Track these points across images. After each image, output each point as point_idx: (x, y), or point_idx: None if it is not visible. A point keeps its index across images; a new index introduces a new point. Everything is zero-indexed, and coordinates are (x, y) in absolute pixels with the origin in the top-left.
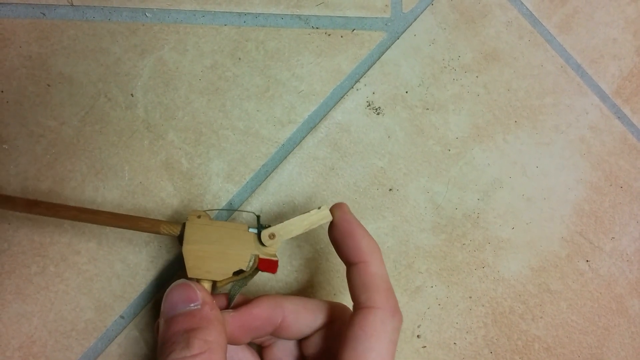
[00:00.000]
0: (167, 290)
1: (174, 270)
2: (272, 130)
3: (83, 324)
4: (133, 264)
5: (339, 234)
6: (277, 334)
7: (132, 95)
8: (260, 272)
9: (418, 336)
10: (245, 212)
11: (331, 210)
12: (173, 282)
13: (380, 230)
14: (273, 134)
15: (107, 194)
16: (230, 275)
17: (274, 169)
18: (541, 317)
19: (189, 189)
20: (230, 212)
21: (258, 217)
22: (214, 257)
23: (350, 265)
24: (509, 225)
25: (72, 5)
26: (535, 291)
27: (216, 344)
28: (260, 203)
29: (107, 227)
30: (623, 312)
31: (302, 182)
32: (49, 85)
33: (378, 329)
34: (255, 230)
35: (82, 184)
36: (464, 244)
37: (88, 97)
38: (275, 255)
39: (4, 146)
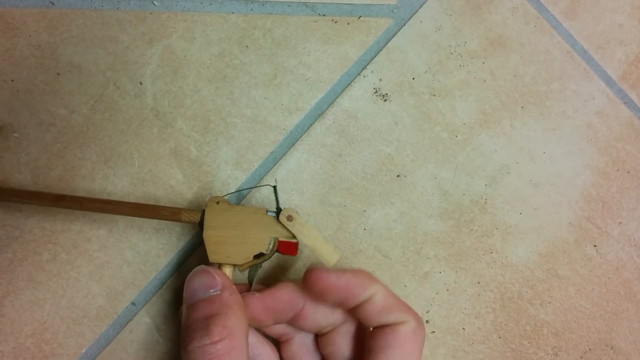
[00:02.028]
0: (188, 276)
1: (185, 257)
2: (280, 118)
3: (95, 310)
4: (143, 251)
5: (338, 299)
6: (295, 322)
7: (140, 83)
8: (280, 254)
9: (427, 321)
10: (263, 187)
11: (307, 283)
12: (192, 269)
13: (388, 216)
14: (281, 121)
15: (117, 182)
16: (251, 259)
17: (282, 156)
18: (549, 302)
19: (198, 176)
20: (248, 190)
21: (274, 187)
22: (233, 241)
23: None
24: (517, 210)
25: None
26: (543, 276)
27: (236, 329)
28: (268, 190)
29: (117, 215)
30: (631, 297)
31: (310, 169)
32: (58, 74)
33: (411, 339)
34: (274, 214)
35: (92, 172)
36: (471, 230)
37: (97, 86)
38: (294, 237)
39: (14, 135)
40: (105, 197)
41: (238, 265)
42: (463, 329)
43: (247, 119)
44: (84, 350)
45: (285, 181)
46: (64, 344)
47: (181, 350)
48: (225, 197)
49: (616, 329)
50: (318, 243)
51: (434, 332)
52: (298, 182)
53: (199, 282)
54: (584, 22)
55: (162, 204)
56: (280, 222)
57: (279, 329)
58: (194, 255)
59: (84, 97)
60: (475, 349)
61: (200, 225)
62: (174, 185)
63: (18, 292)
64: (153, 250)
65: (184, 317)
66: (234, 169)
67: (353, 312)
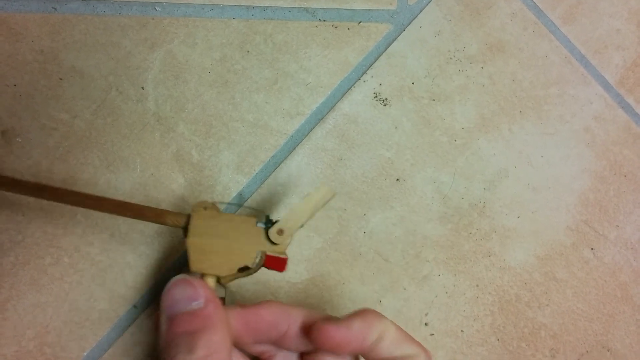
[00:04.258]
0: (167, 285)
1: (185, 261)
2: (281, 122)
3: (97, 313)
4: (145, 254)
5: (351, 350)
6: (280, 343)
7: (142, 88)
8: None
9: (426, 324)
10: (253, 209)
11: (317, 341)
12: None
13: (388, 220)
14: (282, 126)
15: (119, 186)
16: (236, 271)
17: (283, 160)
18: (547, 305)
19: (200, 180)
20: (238, 206)
21: (267, 216)
22: (219, 251)
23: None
24: (515, 214)
25: None
26: (541, 279)
27: (221, 346)
28: (269, 194)
29: (120, 218)
30: (628, 299)
31: (310, 173)
32: (60, 79)
33: None
34: (264, 225)
35: (94, 176)
36: (470, 233)
37: (99, 91)
38: (284, 253)
39: (17, 139)
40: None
41: (221, 277)
42: (462, 331)
43: (249, 124)
44: (85, 353)
45: (285, 185)
46: (66, 347)
47: None
48: (216, 204)
49: (613, 331)
50: (310, 206)
51: (432, 334)
52: (299, 186)
53: (181, 292)
54: (581, 27)
55: (163, 208)
56: (267, 235)
57: (259, 347)
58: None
59: (87, 102)
60: (473, 351)
61: (185, 230)
62: (175, 189)
63: (20, 295)
64: (155, 253)
65: (164, 329)
66: (235, 173)
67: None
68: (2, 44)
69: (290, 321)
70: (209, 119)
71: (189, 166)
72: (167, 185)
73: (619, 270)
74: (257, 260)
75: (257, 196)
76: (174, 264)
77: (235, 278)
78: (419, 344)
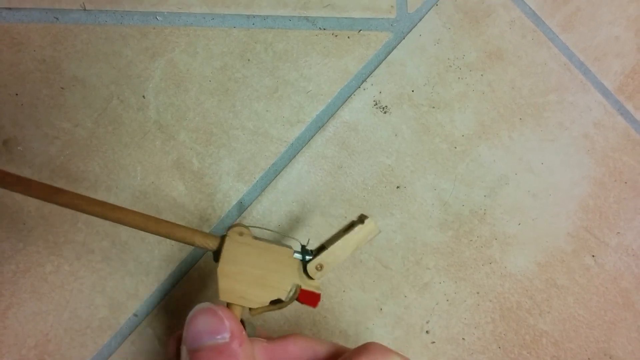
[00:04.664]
0: (191, 314)
1: (187, 268)
2: (281, 130)
3: (97, 322)
4: (146, 262)
5: None
6: None
7: (144, 97)
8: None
9: (427, 332)
10: (291, 238)
11: None
12: (194, 281)
13: (388, 227)
14: (282, 134)
15: (120, 194)
16: (267, 304)
17: (283, 168)
18: (548, 312)
19: (200, 188)
20: (273, 233)
21: (303, 246)
22: (252, 282)
23: None
24: (515, 221)
25: (84, 9)
26: (542, 286)
27: None
28: (270, 201)
29: (121, 226)
30: (629, 306)
31: (311, 181)
32: (62, 88)
33: None
34: (301, 256)
35: (95, 184)
36: (471, 240)
37: (101, 100)
38: (319, 288)
39: (18, 148)
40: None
41: (251, 309)
42: (463, 339)
43: (249, 132)
44: None
45: (286, 193)
46: (67, 356)
47: None
48: (250, 228)
49: (614, 338)
50: (353, 242)
51: (434, 342)
52: (299, 194)
53: (205, 324)
54: (580, 35)
55: (163, 216)
56: (305, 268)
57: None
58: (196, 266)
59: (88, 110)
60: (475, 359)
61: (216, 255)
62: (176, 197)
63: (21, 303)
64: (155, 261)
65: None
66: (236, 181)
67: None
68: (5, 53)
69: (317, 357)
70: (210, 127)
71: (190, 174)
72: (167, 193)
73: (620, 276)
74: (292, 294)
75: (257, 204)
76: (174, 272)
77: (265, 311)
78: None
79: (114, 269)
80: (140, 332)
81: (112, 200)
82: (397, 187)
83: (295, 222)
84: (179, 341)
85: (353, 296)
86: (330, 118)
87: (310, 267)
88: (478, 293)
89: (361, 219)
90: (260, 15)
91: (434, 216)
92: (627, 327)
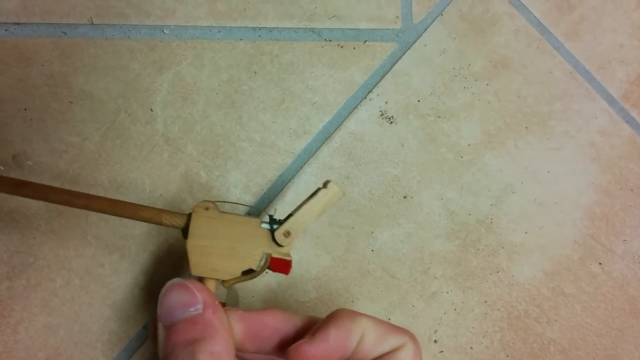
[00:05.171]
0: (163, 290)
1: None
2: (288, 141)
3: (107, 335)
4: (155, 275)
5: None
6: (281, 354)
7: (151, 110)
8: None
9: (435, 341)
10: (253, 207)
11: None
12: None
13: (395, 237)
14: (289, 145)
15: None
16: (239, 275)
17: (291, 179)
18: (556, 320)
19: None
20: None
21: (271, 216)
22: (221, 254)
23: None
24: (522, 230)
25: (92, 24)
26: (549, 294)
27: (224, 355)
28: (277, 213)
29: (130, 239)
30: (636, 313)
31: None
32: (71, 102)
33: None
34: (268, 226)
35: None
36: (478, 250)
37: (109, 113)
38: (289, 255)
39: (27, 162)
40: (117, 222)
41: (224, 280)
42: (471, 348)
43: (256, 143)
44: None
45: (293, 204)
46: None
47: None
48: (217, 203)
49: (622, 345)
50: (318, 207)
51: (442, 351)
52: (292, 210)
53: (176, 298)
54: (585, 43)
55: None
56: (273, 236)
57: (260, 357)
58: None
59: (96, 124)
60: None
61: (184, 232)
62: (184, 210)
63: (32, 318)
64: (164, 274)
65: (163, 339)
66: (243, 193)
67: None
68: (13, 68)
69: (293, 328)
70: (217, 140)
71: (198, 186)
72: (176, 206)
73: (627, 284)
74: (262, 263)
75: (264, 216)
76: None
77: (238, 282)
78: (404, 332)
79: (123, 282)
80: (149, 345)
81: None
82: (404, 197)
83: (302, 233)
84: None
85: (361, 306)
86: (336, 129)
87: (278, 234)
88: (486, 302)
89: (324, 185)
90: (266, 28)
91: (441, 226)
92: (634, 334)
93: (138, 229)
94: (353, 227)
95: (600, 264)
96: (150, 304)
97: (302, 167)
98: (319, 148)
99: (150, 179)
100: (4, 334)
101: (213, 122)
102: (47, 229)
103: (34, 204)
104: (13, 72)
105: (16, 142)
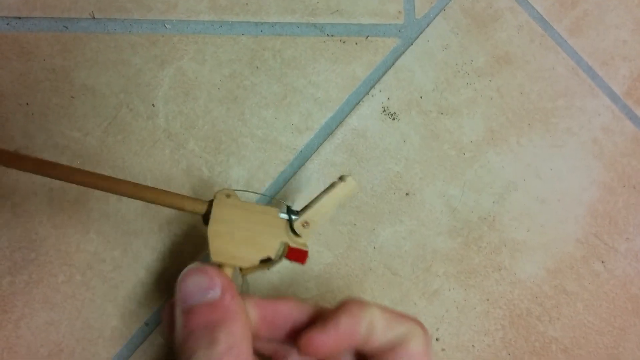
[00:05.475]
0: (182, 275)
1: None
2: (290, 137)
3: (109, 331)
4: (157, 271)
5: (345, 348)
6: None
7: (153, 105)
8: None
9: (437, 339)
10: (272, 198)
11: (308, 351)
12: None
13: (397, 234)
14: (291, 141)
15: (131, 203)
16: (257, 263)
17: (293, 176)
18: (558, 319)
19: (210, 196)
20: (261, 197)
21: (289, 206)
22: (241, 241)
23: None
24: (524, 227)
25: (93, 18)
26: (551, 293)
27: (242, 338)
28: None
29: (132, 236)
30: (639, 312)
31: (320, 188)
32: (72, 97)
33: (422, 351)
34: (286, 216)
35: (105, 194)
36: (480, 247)
37: (111, 108)
38: (306, 245)
39: None
40: (119, 218)
41: (242, 268)
42: (473, 346)
43: (258, 139)
44: None
45: (295, 200)
46: None
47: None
48: (236, 192)
49: (624, 344)
50: (335, 200)
51: (444, 349)
52: (308, 201)
53: (195, 283)
54: (588, 39)
55: (174, 225)
56: (291, 226)
57: (272, 345)
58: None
59: (98, 119)
60: None
61: (205, 218)
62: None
63: (34, 313)
64: (166, 270)
65: (181, 323)
66: (245, 189)
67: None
68: (14, 63)
69: (305, 317)
70: (219, 135)
71: (200, 182)
72: None
73: (629, 282)
74: (280, 253)
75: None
76: None
77: (255, 270)
78: (411, 320)
79: (125, 278)
80: (151, 341)
81: (123, 208)
82: (406, 194)
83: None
84: (174, 307)
85: None
86: (338, 125)
87: (297, 224)
88: (488, 300)
89: (342, 178)
90: (268, 23)
91: (443, 223)
92: (637, 333)
93: (140, 225)
94: (355, 224)
95: (602, 262)
96: (152, 301)
97: (304, 164)
98: (321, 144)
99: (152, 174)
100: (5, 330)
101: (215, 118)
102: (49, 225)
103: (35, 199)
104: (14, 67)
105: (17, 137)
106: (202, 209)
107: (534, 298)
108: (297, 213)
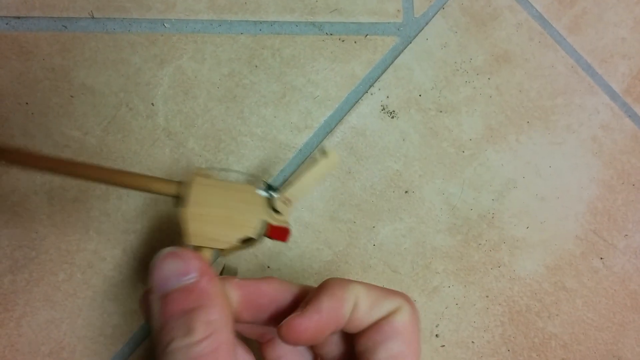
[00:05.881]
0: (155, 259)
1: None
2: (290, 136)
3: (110, 329)
4: None
5: (331, 331)
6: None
7: (152, 104)
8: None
9: (437, 335)
10: (247, 174)
11: (291, 339)
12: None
13: (397, 232)
14: (290, 140)
15: (131, 202)
16: (237, 243)
17: (292, 174)
18: (557, 315)
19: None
20: (238, 175)
21: (266, 182)
22: (219, 222)
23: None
24: (524, 224)
25: (92, 17)
26: (550, 289)
27: (221, 323)
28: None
29: (132, 234)
30: (638, 308)
31: (319, 186)
32: (72, 97)
33: (408, 324)
34: (265, 193)
35: (106, 192)
36: (479, 244)
37: (110, 107)
38: (287, 222)
39: None
40: (119, 216)
41: (221, 250)
42: (472, 342)
43: (257, 138)
44: None
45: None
46: None
47: (156, 350)
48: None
49: (623, 340)
50: (317, 175)
51: (443, 346)
52: (308, 199)
53: (170, 267)
54: (587, 37)
55: (174, 221)
56: (271, 203)
57: (257, 328)
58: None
59: (97, 118)
60: None
61: (178, 199)
62: None
63: (35, 312)
64: None
65: (157, 310)
66: (222, 168)
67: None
68: (14, 62)
69: (289, 296)
70: (219, 134)
71: None
72: None
73: (628, 279)
74: (260, 231)
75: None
76: None
77: (236, 250)
78: (398, 295)
79: (125, 277)
80: (152, 339)
81: (123, 206)
82: (406, 191)
83: (304, 227)
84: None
85: None
86: (338, 123)
87: (279, 201)
88: (487, 296)
89: (322, 152)
90: (267, 21)
91: (443, 220)
92: (635, 329)
93: (140, 223)
94: (355, 222)
95: (601, 258)
96: None
97: (303, 162)
98: (320, 143)
99: (152, 173)
100: (7, 328)
101: (214, 117)
102: (49, 223)
103: (36, 197)
104: (14, 66)
105: (17, 137)
106: (173, 190)
107: (534, 294)
108: (275, 189)
